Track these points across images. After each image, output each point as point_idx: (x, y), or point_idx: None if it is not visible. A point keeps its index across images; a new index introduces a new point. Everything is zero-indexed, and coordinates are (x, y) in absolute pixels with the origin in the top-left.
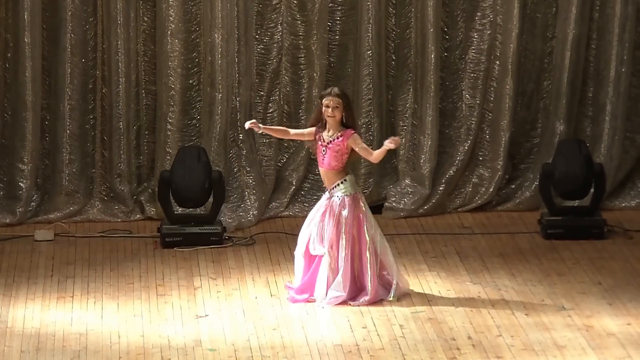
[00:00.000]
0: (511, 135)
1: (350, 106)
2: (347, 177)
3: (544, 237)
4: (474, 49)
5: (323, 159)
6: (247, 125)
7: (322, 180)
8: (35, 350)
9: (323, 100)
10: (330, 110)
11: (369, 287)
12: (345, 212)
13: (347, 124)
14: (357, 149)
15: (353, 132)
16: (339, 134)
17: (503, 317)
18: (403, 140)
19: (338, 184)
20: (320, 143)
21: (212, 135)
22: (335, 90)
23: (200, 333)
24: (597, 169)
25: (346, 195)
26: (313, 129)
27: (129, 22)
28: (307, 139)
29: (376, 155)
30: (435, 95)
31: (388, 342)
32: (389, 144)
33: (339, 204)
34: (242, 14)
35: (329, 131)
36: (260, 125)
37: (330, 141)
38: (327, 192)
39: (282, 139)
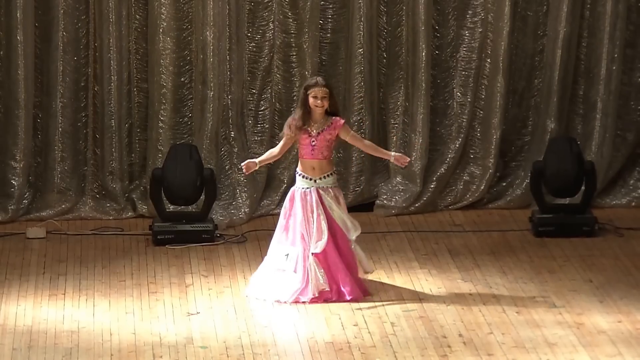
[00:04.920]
0: (502, 133)
1: (333, 94)
2: (334, 168)
3: (535, 235)
4: (465, 47)
5: (312, 151)
6: (243, 166)
7: (299, 166)
8: (27, 348)
9: (309, 92)
10: (319, 100)
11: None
12: (341, 201)
13: (332, 111)
14: (348, 139)
15: (343, 121)
16: (328, 122)
17: (494, 315)
18: (394, 138)
19: (330, 174)
20: (307, 135)
21: (204, 133)
22: (321, 80)
23: (191, 330)
24: (588, 167)
25: (335, 185)
26: (289, 132)
27: (121, 20)
28: (290, 143)
29: (369, 146)
30: (426, 93)
31: (379, 340)
32: (397, 159)
33: (332, 194)
34: (233, 12)
35: (315, 122)
36: (256, 161)
37: (320, 132)
38: (302, 184)
39: (273, 138)
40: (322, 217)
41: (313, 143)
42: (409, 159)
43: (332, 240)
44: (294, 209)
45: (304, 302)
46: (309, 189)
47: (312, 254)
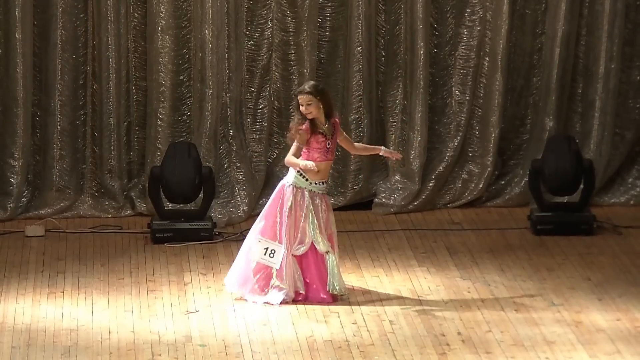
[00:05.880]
0: (501, 132)
1: (325, 97)
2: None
3: (534, 233)
4: (463, 45)
5: (327, 153)
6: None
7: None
8: (26, 346)
9: (298, 98)
10: (304, 107)
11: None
12: (329, 211)
13: (328, 113)
14: (340, 139)
15: (338, 121)
16: (331, 124)
17: (492, 313)
18: (393, 136)
19: (325, 181)
20: (323, 138)
21: (203, 131)
22: (305, 87)
23: (190, 329)
24: (586, 165)
25: (325, 193)
26: (303, 137)
27: (119, 18)
28: (304, 145)
29: (359, 147)
30: (424, 92)
31: (378, 338)
32: (388, 152)
33: (323, 200)
34: (232, 10)
35: (323, 124)
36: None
37: (332, 133)
38: (295, 180)
39: (272, 136)
40: (308, 220)
41: (329, 145)
42: (400, 155)
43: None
44: (281, 204)
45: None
46: (301, 189)
47: (293, 255)
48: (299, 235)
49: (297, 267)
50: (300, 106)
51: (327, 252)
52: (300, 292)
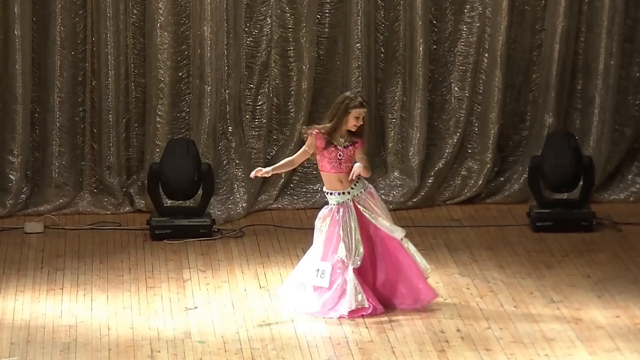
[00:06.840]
0: (500, 128)
1: None
2: None
3: (533, 230)
4: (462, 42)
5: (340, 164)
6: (252, 175)
7: (325, 184)
8: (25, 343)
9: (353, 111)
10: (359, 120)
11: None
12: (378, 203)
13: (359, 132)
14: (358, 158)
15: (362, 143)
16: (352, 139)
17: (492, 310)
18: (392, 133)
19: (357, 181)
20: (333, 149)
21: (202, 127)
22: (364, 102)
23: (189, 325)
24: (586, 162)
25: (366, 188)
26: (311, 142)
27: (118, 14)
28: (311, 152)
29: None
30: (424, 88)
31: (377, 335)
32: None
33: (368, 200)
34: (231, 7)
35: (341, 136)
36: (268, 168)
37: (347, 146)
38: (336, 200)
39: (271, 132)
40: (357, 230)
41: (340, 156)
42: (356, 173)
43: (385, 248)
44: (326, 226)
45: (340, 317)
46: (344, 202)
47: (353, 268)
48: (354, 246)
49: (358, 281)
50: (355, 119)
51: (402, 239)
52: (365, 306)
